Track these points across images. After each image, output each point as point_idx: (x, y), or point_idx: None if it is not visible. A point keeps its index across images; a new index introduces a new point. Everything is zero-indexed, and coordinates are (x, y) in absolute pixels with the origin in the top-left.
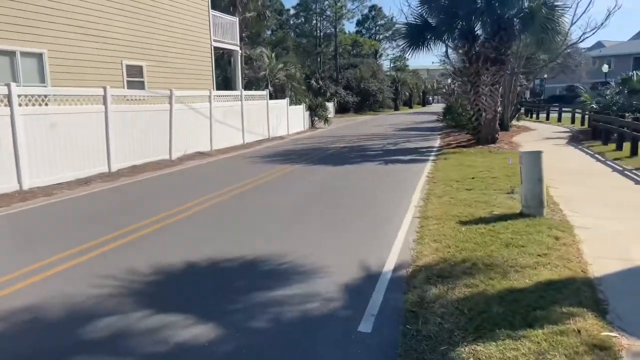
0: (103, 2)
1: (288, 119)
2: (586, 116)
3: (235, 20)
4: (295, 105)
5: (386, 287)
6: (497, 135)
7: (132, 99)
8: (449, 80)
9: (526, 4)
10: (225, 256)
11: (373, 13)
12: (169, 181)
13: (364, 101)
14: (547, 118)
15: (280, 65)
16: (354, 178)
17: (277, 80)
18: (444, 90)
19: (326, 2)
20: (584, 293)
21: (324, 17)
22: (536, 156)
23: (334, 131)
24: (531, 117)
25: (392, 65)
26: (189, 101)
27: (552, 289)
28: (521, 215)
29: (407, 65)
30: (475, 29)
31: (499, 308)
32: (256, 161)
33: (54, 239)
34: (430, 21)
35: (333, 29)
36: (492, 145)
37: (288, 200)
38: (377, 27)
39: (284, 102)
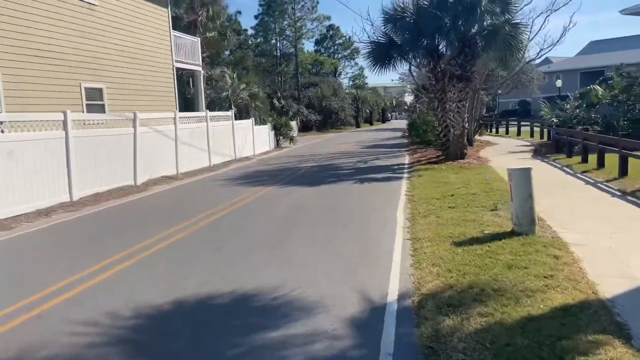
0: (58, 24)
1: (254, 139)
2: (545, 130)
3: (197, 40)
4: (260, 125)
5: (395, 320)
6: (465, 151)
7: (92, 124)
8: (411, 97)
9: (489, 22)
10: (212, 292)
11: (331, 32)
12: (137, 209)
13: (326, 119)
14: (507, 132)
15: (243, 85)
16: (332, 198)
17: (240, 100)
18: (406, 107)
19: (285, 22)
20: (602, 317)
21: (284, 36)
22: (526, 173)
23: (300, 150)
24: (490, 131)
25: (351, 83)
26: (153, 124)
27: (570, 314)
28: (513, 233)
29: (367, 83)
30: (440, 47)
31: (523, 340)
32: (227, 184)
33: (18, 280)
34: (396, 39)
35: (293, 49)
36: (462, 160)
37: (268, 226)
38: (336, 47)
39: (249, 122)
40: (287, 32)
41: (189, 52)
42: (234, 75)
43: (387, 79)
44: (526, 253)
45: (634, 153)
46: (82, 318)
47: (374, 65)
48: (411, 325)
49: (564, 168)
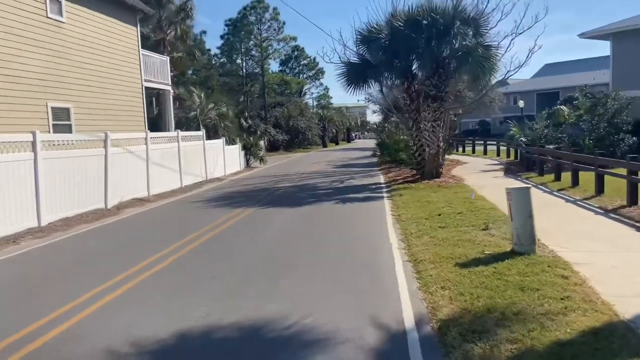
0: (24, 41)
1: (225, 160)
2: (512, 149)
3: (166, 59)
4: (230, 145)
5: (420, 350)
6: (441, 170)
7: (60, 144)
8: (377, 117)
9: (462, 44)
10: (217, 323)
11: (296, 53)
12: (112, 234)
13: (293, 139)
14: (473, 151)
15: (211, 105)
16: (317, 220)
17: (208, 120)
18: (375, 126)
19: (251, 43)
20: (632, 341)
21: (249, 56)
22: (525, 192)
23: (271, 170)
24: (457, 150)
25: (316, 103)
26: (124, 144)
27: (600, 338)
28: (513, 253)
29: (332, 104)
30: (414, 68)
31: None
32: (203, 206)
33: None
34: (370, 60)
35: (259, 68)
36: (438, 179)
37: (259, 250)
38: (301, 67)
39: (220, 142)
40: (253, 52)
41: (158, 71)
42: (202, 95)
43: (352, 99)
44: (534, 273)
45: (608, 171)
46: (79, 356)
47: (348, 86)
48: (438, 354)
49: (539, 186)
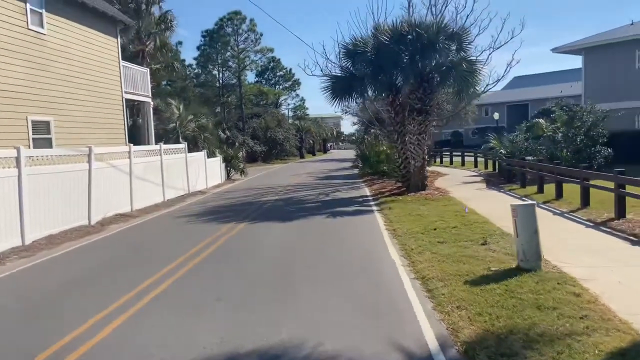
0: (5, 53)
1: (206, 172)
2: (490, 160)
3: (146, 71)
4: (210, 157)
5: None
6: (426, 182)
7: (41, 159)
8: (356, 128)
9: (448, 59)
10: (234, 349)
11: (272, 64)
12: (100, 252)
13: (271, 150)
14: (451, 162)
15: (190, 117)
16: (313, 235)
17: (188, 132)
18: (353, 137)
19: (228, 54)
20: None
21: (226, 67)
22: (530, 209)
23: (253, 182)
24: (435, 161)
25: (292, 114)
26: (107, 158)
27: (629, 359)
28: (519, 269)
29: (308, 114)
30: (399, 82)
31: None
32: (189, 221)
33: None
34: (356, 73)
35: (235, 79)
36: (423, 192)
37: (260, 270)
38: (277, 78)
39: (201, 155)
40: (230, 64)
41: (138, 82)
42: (181, 106)
43: (327, 110)
44: (546, 291)
45: (596, 184)
46: None
47: (333, 99)
48: None
49: (524, 199)
